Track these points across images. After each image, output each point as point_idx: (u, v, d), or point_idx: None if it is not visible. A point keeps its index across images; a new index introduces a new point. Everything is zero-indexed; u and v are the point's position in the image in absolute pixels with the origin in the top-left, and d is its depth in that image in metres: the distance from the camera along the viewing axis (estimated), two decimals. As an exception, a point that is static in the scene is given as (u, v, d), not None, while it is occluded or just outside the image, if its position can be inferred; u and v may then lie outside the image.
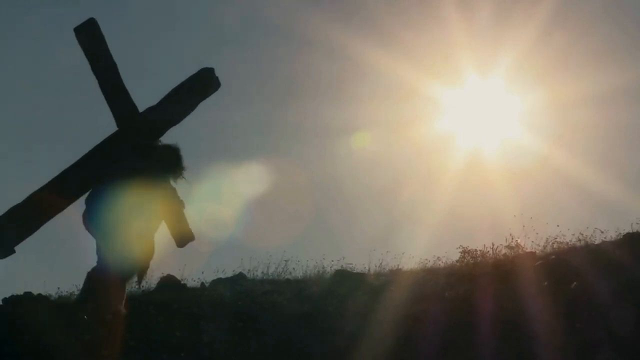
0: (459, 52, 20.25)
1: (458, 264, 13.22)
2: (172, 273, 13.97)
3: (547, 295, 10.19)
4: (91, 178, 11.48)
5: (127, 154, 11.47)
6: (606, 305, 9.68)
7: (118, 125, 11.47)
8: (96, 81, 11.53)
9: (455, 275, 12.34)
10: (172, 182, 11.72)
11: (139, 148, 11.52)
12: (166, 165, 11.69)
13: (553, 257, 12.18)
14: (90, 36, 11.45)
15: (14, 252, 11.10)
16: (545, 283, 10.62)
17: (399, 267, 14.97)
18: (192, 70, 10.64)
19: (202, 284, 13.98)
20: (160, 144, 11.89)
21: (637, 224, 14.05)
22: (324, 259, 15.45)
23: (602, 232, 14.30)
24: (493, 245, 13.81)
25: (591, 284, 10.25)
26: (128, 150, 11.48)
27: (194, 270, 13.99)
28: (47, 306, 12.14)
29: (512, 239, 13.85)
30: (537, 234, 14.40)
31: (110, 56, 11.51)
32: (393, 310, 10.69)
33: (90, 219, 11.73)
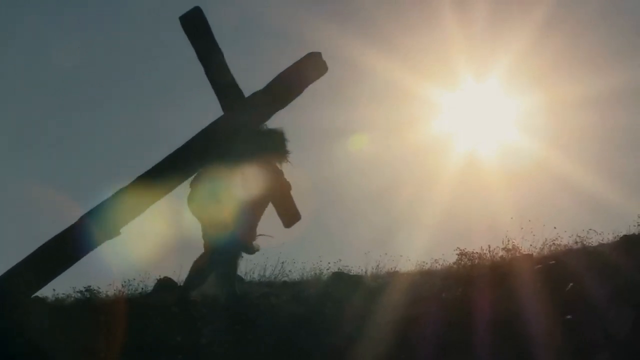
0: (455, 54, 20.27)
1: (455, 266, 13.21)
2: (168, 275, 13.97)
3: (544, 297, 10.20)
4: (197, 161, 11.68)
5: (233, 138, 11.66)
6: (603, 307, 9.69)
7: (224, 110, 11.66)
8: (202, 68, 11.79)
9: (452, 277, 12.34)
10: (277, 164, 11.93)
11: (245, 132, 11.69)
12: (272, 148, 11.87)
13: (550, 259, 12.19)
14: (195, 24, 11.69)
15: (119, 234, 11.36)
16: (542, 285, 10.63)
17: (396, 270, 14.97)
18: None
19: (199, 285, 13.97)
20: (265, 127, 12.03)
21: (634, 226, 14.07)
22: (320, 261, 15.45)
23: (599, 234, 14.32)
24: (490, 247, 13.81)
25: (588, 286, 10.27)
26: (234, 134, 11.66)
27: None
28: (44, 308, 12.13)
29: (509, 241, 13.86)
30: (534, 235, 14.42)
31: (215, 43, 11.73)
32: (390, 312, 10.70)
33: (195, 201, 11.96)
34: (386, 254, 15.36)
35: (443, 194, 16.15)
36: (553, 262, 11.82)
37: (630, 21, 28.16)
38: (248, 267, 14.60)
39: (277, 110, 11.91)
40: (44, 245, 11.54)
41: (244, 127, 11.78)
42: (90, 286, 12.97)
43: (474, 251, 13.81)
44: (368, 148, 21.82)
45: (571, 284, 10.28)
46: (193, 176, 11.99)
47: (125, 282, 13.42)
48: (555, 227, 14.88)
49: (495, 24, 23.09)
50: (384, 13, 26.25)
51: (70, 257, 11.51)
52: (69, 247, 11.44)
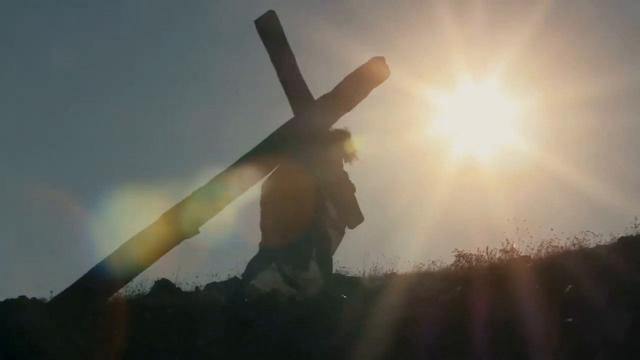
0: (454, 55, 20.25)
1: (453, 267, 13.20)
2: (166, 277, 13.96)
3: (541, 299, 10.20)
4: (269, 161, 11.90)
5: (303, 139, 11.84)
6: (601, 309, 9.69)
7: (294, 112, 11.86)
8: (274, 71, 12.00)
9: (450, 279, 12.33)
10: (344, 165, 12.11)
11: (314, 133, 11.87)
12: (339, 148, 12.04)
13: (547, 261, 12.19)
14: (270, 28, 11.91)
15: (198, 232, 11.57)
16: (540, 287, 10.62)
17: (394, 271, 14.96)
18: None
19: (197, 287, 13.96)
20: (332, 129, 12.21)
21: (632, 227, 14.05)
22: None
23: (596, 235, 14.30)
24: (488, 249, 13.80)
25: (586, 288, 10.26)
26: (304, 135, 11.84)
27: (189, 274, 13.99)
28: (41, 310, 12.13)
29: (507, 242, 13.85)
30: (531, 237, 14.39)
31: (288, 46, 11.94)
32: (388, 313, 10.70)
33: (266, 203, 12.13)
34: (384, 255, 15.34)
35: (441, 196, 16.14)
36: (551, 264, 11.82)
37: (628, 23, 28.18)
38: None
39: (343, 113, 12.23)
40: (122, 245, 11.99)
41: (313, 128, 12.00)
42: (87, 288, 12.97)
43: (472, 253, 13.82)
44: (366, 149, 21.82)
45: (570, 286, 10.26)
46: (265, 177, 12.23)
47: (122, 284, 13.41)
48: (552, 229, 14.86)
49: (493, 25, 23.11)
50: (382, 14, 26.28)
51: (148, 257, 11.95)
52: (147, 246, 11.88)
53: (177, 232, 11.96)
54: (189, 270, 13.88)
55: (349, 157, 12.48)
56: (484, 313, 10.17)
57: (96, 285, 11.86)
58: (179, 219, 11.89)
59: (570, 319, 9.45)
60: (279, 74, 12.25)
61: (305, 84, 12.19)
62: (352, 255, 13.36)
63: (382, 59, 12.24)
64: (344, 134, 12.49)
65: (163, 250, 12.05)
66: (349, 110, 12.29)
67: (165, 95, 32.35)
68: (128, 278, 12.23)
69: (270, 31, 12.17)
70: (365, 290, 12.69)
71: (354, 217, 12.67)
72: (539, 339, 9.54)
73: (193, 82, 31.98)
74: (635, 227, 13.83)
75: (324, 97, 12.20)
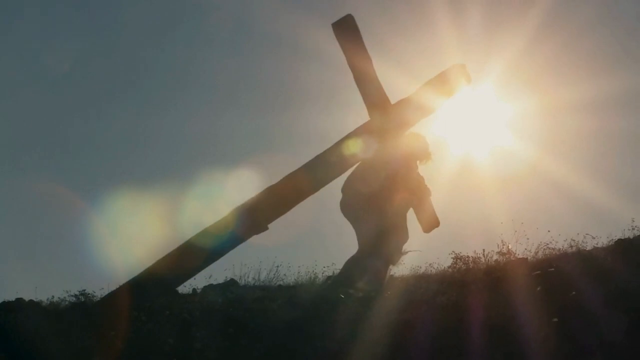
0: (449, 58, 20.21)
1: (450, 270, 13.23)
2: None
3: (538, 302, 10.19)
4: (343, 163, 12.04)
5: (379, 142, 11.95)
6: (597, 312, 9.68)
7: (370, 115, 11.96)
8: (351, 74, 12.11)
9: (447, 281, 12.34)
10: (419, 169, 12.19)
11: (389, 137, 11.96)
12: (414, 152, 12.12)
13: (544, 263, 12.20)
14: (347, 31, 12.00)
15: (267, 229, 11.71)
16: (537, 289, 10.63)
17: (391, 273, 14.96)
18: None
19: (194, 290, 13.97)
20: (408, 133, 12.29)
21: (629, 230, 14.09)
22: (315, 265, 15.47)
23: (593, 238, 14.36)
24: (484, 251, 13.83)
25: (582, 290, 10.26)
26: (379, 138, 11.95)
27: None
28: (39, 312, 12.15)
29: (504, 245, 13.87)
30: (527, 239, 14.44)
31: (365, 50, 12.02)
32: (384, 316, 10.68)
33: (347, 206, 12.21)
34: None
35: (437, 198, 16.12)
36: (548, 266, 11.83)
37: (623, 26, 28.21)
38: (243, 270, 14.62)
39: (421, 118, 12.25)
40: (190, 239, 12.24)
41: (389, 132, 12.07)
42: (84, 290, 12.99)
43: (469, 255, 13.84)
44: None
45: (567, 289, 10.26)
46: (344, 181, 12.34)
47: (119, 286, 13.41)
48: (549, 231, 14.91)
49: (489, 28, 23.12)
50: (378, 16, 26.27)
51: (216, 251, 12.27)
52: (220, 238, 12.22)
53: (246, 228, 12.02)
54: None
55: (423, 160, 12.56)
56: (481, 316, 10.16)
57: (160, 279, 12.16)
58: (249, 214, 11.98)
59: (565, 322, 9.44)
60: (355, 78, 12.36)
61: (382, 87, 12.31)
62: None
63: (463, 65, 12.37)
64: (418, 137, 12.58)
65: (232, 244, 12.40)
66: (426, 116, 12.42)
67: (163, 97, 32.36)
68: (193, 273, 12.46)
69: (347, 34, 12.27)
70: (362, 292, 12.67)
71: (431, 221, 12.77)
72: (535, 342, 9.53)
73: (191, 84, 32.00)
74: (633, 229, 13.89)
75: (402, 102, 12.31)
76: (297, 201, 12.27)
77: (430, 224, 12.79)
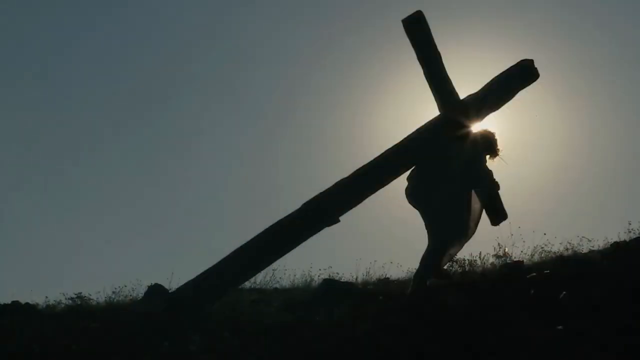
0: (445, 60, 20.33)
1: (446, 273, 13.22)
2: (159, 282, 13.97)
3: (534, 305, 10.21)
4: (413, 157, 12.15)
5: (448, 137, 12.06)
6: (594, 315, 9.69)
7: (440, 110, 12.09)
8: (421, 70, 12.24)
9: (443, 284, 12.35)
10: (487, 164, 12.29)
11: (460, 132, 12.10)
12: (484, 147, 12.23)
13: (540, 265, 12.23)
14: (418, 28, 12.16)
15: (338, 221, 11.74)
16: (533, 292, 10.64)
17: (387, 276, 14.99)
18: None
19: (190, 292, 13.96)
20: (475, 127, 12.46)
21: (625, 233, 14.11)
22: (311, 268, 15.50)
23: (589, 240, 14.37)
24: (481, 254, 13.86)
25: (579, 293, 10.27)
26: (449, 133, 12.06)
27: (182, 279, 14.01)
28: (35, 315, 12.17)
29: (500, 247, 13.90)
30: (524, 242, 14.46)
31: (435, 47, 12.14)
32: (380, 319, 10.70)
33: (413, 195, 12.30)
34: (376, 260, 15.40)
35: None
36: (544, 269, 11.85)
37: (623, 31, 28.30)
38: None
39: (488, 113, 12.42)
40: (263, 232, 12.30)
41: (458, 126, 12.20)
42: (81, 293, 13.01)
43: (465, 258, 13.86)
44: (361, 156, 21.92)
45: (563, 292, 10.28)
46: (410, 170, 12.44)
47: (115, 289, 13.45)
48: (545, 234, 14.93)
49: (484, 32, 23.20)
50: (375, 20, 26.38)
51: (287, 244, 12.36)
52: (288, 233, 12.25)
53: (317, 221, 12.25)
54: (182, 275, 13.90)
55: (493, 154, 12.69)
56: (477, 318, 10.17)
57: (229, 275, 12.24)
58: (320, 207, 12.16)
59: (562, 325, 9.45)
60: (425, 73, 12.51)
61: (451, 83, 12.46)
62: (344, 260, 13.39)
63: (530, 61, 12.46)
64: (487, 132, 12.70)
65: (302, 238, 12.40)
66: (494, 110, 12.57)
67: (160, 98, 32.44)
68: (261, 268, 12.74)
69: (417, 30, 12.41)
70: (358, 295, 12.70)
71: (499, 214, 12.89)
72: (531, 344, 9.54)
73: (188, 86, 32.08)
74: (629, 232, 13.90)
75: (471, 97, 12.46)
76: (369, 194, 12.46)
77: (499, 217, 12.94)
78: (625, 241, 13.32)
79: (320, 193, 12.34)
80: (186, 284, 12.24)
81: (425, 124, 12.55)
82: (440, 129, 12.42)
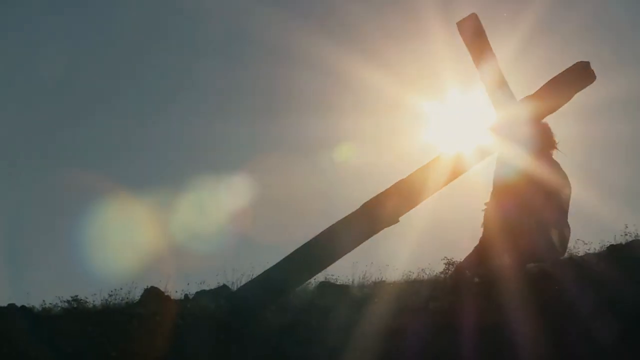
0: (440, 65, 20.21)
1: (442, 275, 13.21)
2: (155, 285, 13.94)
3: (531, 308, 10.20)
4: (473, 158, 12.25)
5: (505, 137, 12.16)
6: (590, 318, 9.69)
7: (496, 111, 12.19)
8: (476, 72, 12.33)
9: (439, 287, 12.34)
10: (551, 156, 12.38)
11: (517, 130, 12.18)
12: (542, 141, 12.28)
13: (537, 269, 12.20)
14: (472, 30, 12.23)
15: (398, 221, 11.99)
16: (529, 295, 10.63)
17: (383, 279, 14.95)
18: None
19: (186, 296, 13.95)
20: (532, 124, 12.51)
21: (621, 236, 14.07)
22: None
23: (585, 243, 14.32)
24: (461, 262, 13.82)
25: (575, 297, 10.27)
26: (506, 134, 12.16)
27: (178, 282, 13.97)
28: (31, 318, 12.13)
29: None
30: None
31: (490, 48, 12.19)
32: (377, 322, 10.68)
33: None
34: (372, 263, 15.33)
35: (429, 203, 16.13)
36: (537, 268, 11.84)
37: (619, 32, 28.23)
38: (235, 276, 14.59)
39: (545, 115, 12.50)
40: (324, 232, 12.43)
41: (514, 127, 12.27)
42: (77, 296, 12.97)
43: (461, 260, 13.82)
44: (354, 158, 21.86)
45: (559, 296, 10.27)
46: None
47: (112, 291, 13.40)
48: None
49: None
50: (370, 23, 26.28)
51: (346, 245, 12.46)
52: (349, 233, 12.34)
53: (377, 221, 12.35)
54: (178, 277, 13.87)
55: (552, 146, 12.78)
56: (473, 321, 10.16)
57: (289, 274, 12.37)
58: (380, 208, 12.25)
59: (558, 327, 9.46)
60: (481, 75, 12.57)
61: (507, 84, 12.53)
62: (341, 263, 13.34)
63: (587, 63, 12.52)
64: (543, 126, 12.80)
65: (362, 239, 12.45)
66: (551, 112, 12.66)
67: (156, 104, 32.32)
68: (323, 266, 12.74)
69: (472, 32, 12.49)
70: (355, 298, 12.68)
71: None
72: (528, 347, 9.54)
73: (185, 90, 31.98)
74: (625, 235, 13.87)
75: (527, 99, 12.55)
76: (429, 195, 12.54)
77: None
78: (621, 244, 13.31)
79: (380, 193, 12.43)
80: (249, 283, 12.38)
81: (484, 126, 12.84)
82: (497, 129, 12.60)
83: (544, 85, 12.57)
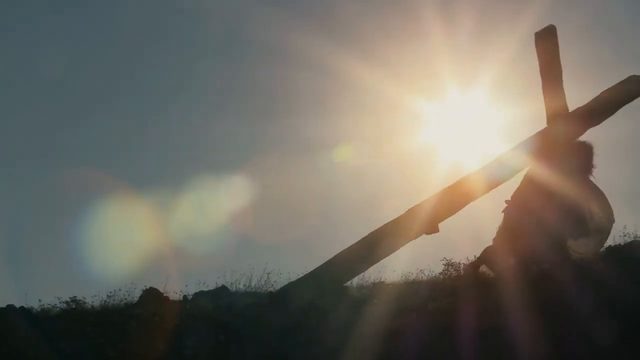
0: (440, 66, 20.24)
1: (441, 276, 13.20)
2: (154, 286, 13.93)
3: (530, 309, 10.19)
4: (518, 166, 12.43)
5: (553, 146, 12.28)
6: (589, 318, 9.69)
7: (548, 122, 12.42)
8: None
9: (438, 288, 12.33)
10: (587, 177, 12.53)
11: (563, 142, 12.33)
12: (580, 160, 12.40)
13: (536, 269, 12.20)
14: (548, 42, 12.47)
15: (438, 231, 12.60)
16: (529, 296, 10.62)
17: (382, 280, 14.93)
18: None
19: (185, 296, 13.94)
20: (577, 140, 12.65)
21: (620, 237, 14.06)
22: (306, 271, 15.42)
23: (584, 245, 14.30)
24: (476, 257, 13.80)
25: (574, 297, 10.27)
26: (554, 143, 12.31)
27: (177, 283, 13.96)
28: (30, 318, 12.12)
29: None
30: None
31: (559, 62, 12.48)
32: (376, 323, 10.67)
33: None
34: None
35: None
36: (539, 272, 11.83)
37: (617, 33, 28.24)
38: (234, 277, 14.59)
39: (592, 126, 12.63)
40: (368, 235, 12.74)
41: (563, 137, 12.39)
42: (75, 296, 12.96)
43: (460, 261, 13.81)
44: (353, 159, 21.86)
45: (558, 296, 10.26)
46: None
47: (110, 292, 13.39)
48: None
49: (480, 34, 23.13)
50: (369, 24, 26.27)
51: (385, 249, 12.74)
52: (388, 239, 12.63)
53: (418, 228, 12.66)
54: (177, 278, 13.87)
55: (589, 169, 12.92)
56: (472, 322, 10.16)
57: (334, 274, 12.75)
58: (421, 215, 12.56)
59: (557, 328, 9.46)
60: (543, 85, 12.89)
61: (565, 98, 12.74)
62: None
63: (639, 77, 12.77)
64: (587, 146, 12.94)
65: (400, 244, 12.76)
66: (597, 124, 12.85)
67: (158, 103, 32.30)
68: (363, 269, 13.15)
69: (547, 44, 12.79)
70: (353, 299, 12.67)
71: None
72: (527, 349, 9.53)
73: (185, 90, 31.96)
74: (624, 235, 13.85)
75: (578, 110, 12.71)
76: (467, 202, 12.70)
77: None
78: (620, 245, 13.30)
79: (423, 201, 12.68)
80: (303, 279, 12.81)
81: (532, 135, 12.90)
82: (546, 140, 12.70)
83: (596, 97, 12.82)
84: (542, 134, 12.83)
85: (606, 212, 12.76)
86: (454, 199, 12.66)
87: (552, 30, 12.83)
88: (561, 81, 12.81)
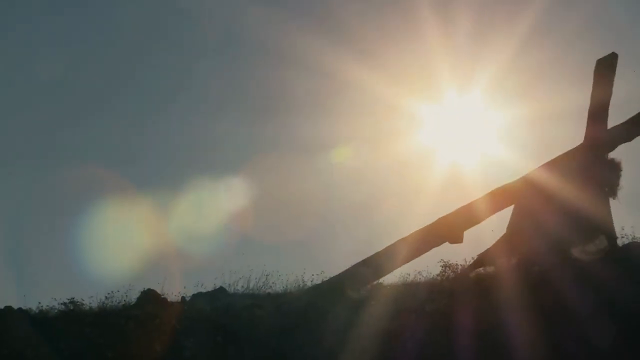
0: (438, 67, 20.27)
1: (439, 278, 13.22)
2: (152, 287, 13.93)
3: (527, 309, 10.22)
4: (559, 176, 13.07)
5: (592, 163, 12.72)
6: (586, 319, 9.71)
7: (586, 136, 13.32)
8: None
9: (436, 289, 12.35)
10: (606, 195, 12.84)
11: (598, 157, 12.56)
12: (607, 177, 12.60)
13: (533, 271, 12.22)
14: (606, 69, 13.39)
15: (461, 241, 13.11)
16: (526, 297, 10.65)
17: (380, 281, 14.95)
18: None
19: (183, 298, 13.94)
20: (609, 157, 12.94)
21: (618, 238, 14.08)
22: (304, 273, 15.42)
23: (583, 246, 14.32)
24: (473, 259, 13.82)
25: (572, 298, 10.29)
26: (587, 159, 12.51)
27: (175, 284, 13.96)
28: (28, 319, 12.13)
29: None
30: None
31: (611, 89, 13.36)
32: (374, 324, 10.69)
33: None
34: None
35: (425, 206, 16.16)
36: (534, 271, 11.86)
37: (614, 35, 28.27)
38: (232, 278, 14.60)
39: (622, 143, 13.45)
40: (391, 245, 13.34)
41: (600, 153, 13.32)
42: (73, 298, 12.96)
43: (458, 263, 13.83)
44: (351, 161, 21.86)
45: (555, 297, 10.28)
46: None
47: (108, 293, 13.39)
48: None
49: (478, 37, 23.14)
50: (367, 26, 26.29)
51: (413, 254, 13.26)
52: (416, 245, 13.26)
53: (441, 237, 13.27)
54: (176, 279, 13.87)
55: (614, 188, 13.27)
56: (469, 323, 10.18)
57: (363, 275, 13.35)
58: (448, 224, 13.16)
59: (554, 329, 9.48)
60: (591, 108, 13.42)
61: (607, 117, 13.30)
62: (338, 264, 13.37)
63: None
64: (614, 164, 13.27)
65: (423, 250, 13.36)
66: (628, 141, 13.23)
67: (158, 103, 32.32)
68: (387, 272, 13.61)
69: (605, 71, 13.39)
70: (351, 300, 12.68)
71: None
72: (524, 349, 9.55)
73: (185, 90, 31.98)
74: (622, 237, 13.88)
75: (617, 127, 13.37)
76: (490, 214, 13.40)
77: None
78: (618, 246, 13.32)
79: (451, 213, 13.28)
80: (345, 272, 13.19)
81: (568, 151, 13.49)
82: (585, 154, 13.31)
83: (633, 116, 13.15)
84: (576, 150, 13.22)
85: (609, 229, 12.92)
86: (477, 211, 13.04)
87: (614, 58, 13.40)
88: (608, 104, 13.37)
